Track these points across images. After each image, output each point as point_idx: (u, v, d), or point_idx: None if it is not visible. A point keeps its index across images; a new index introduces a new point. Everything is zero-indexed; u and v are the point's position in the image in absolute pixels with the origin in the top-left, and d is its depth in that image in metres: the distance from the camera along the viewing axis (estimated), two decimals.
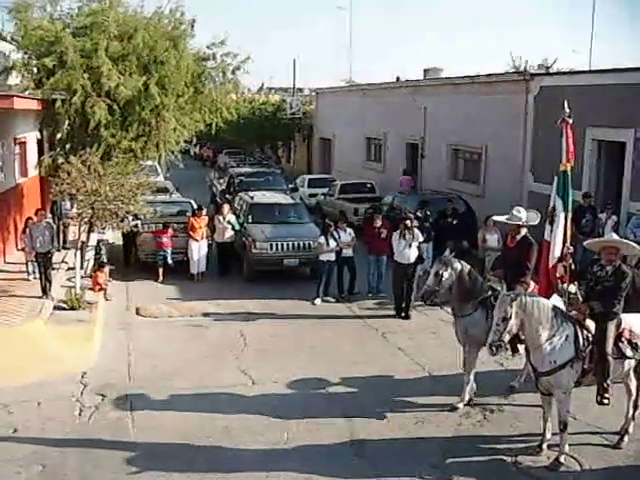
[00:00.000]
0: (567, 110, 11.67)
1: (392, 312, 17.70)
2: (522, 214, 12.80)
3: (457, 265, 11.82)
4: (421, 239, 17.97)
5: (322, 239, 18.87)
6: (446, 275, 11.70)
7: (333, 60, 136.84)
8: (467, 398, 12.00)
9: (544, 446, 10.39)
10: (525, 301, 9.67)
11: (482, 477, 9.86)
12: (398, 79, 38.15)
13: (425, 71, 36.20)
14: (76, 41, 19.31)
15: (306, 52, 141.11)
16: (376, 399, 12.30)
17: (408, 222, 17.67)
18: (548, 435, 10.43)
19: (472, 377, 12.04)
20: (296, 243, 20.46)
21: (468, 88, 28.12)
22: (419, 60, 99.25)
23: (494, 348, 9.69)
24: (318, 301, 18.56)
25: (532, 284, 12.44)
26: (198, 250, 20.71)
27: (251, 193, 24.55)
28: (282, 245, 20.39)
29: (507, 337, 9.67)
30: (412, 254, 17.57)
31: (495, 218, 14.45)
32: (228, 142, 53.98)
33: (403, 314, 17.44)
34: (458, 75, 30.54)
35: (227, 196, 28.96)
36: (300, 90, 59.83)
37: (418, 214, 20.56)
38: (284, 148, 53.14)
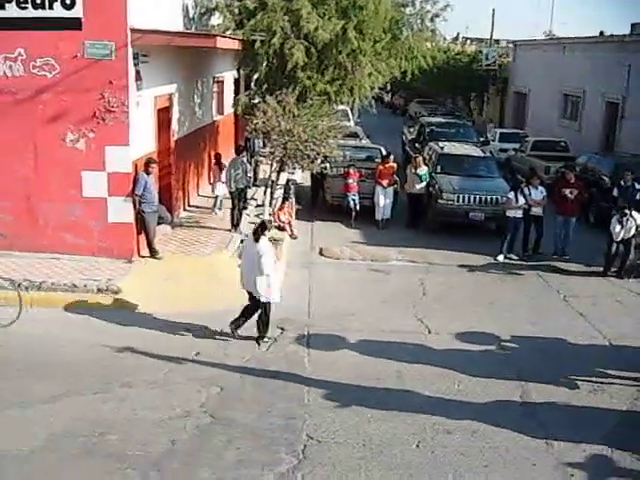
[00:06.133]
0: None
1: (574, 275, 17.30)
2: None
3: None
4: None
5: (511, 194, 18.52)
6: None
7: (531, 10, 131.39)
8: None
9: None
10: None
11: None
12: (602, 33, 36.38)
13: (633, 25, 34.16)
14: None
15: (504, 1, 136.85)
16: (551, 362, 12.05)
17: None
18: None
19: None
20: (483, 197, 20.15)
21: None
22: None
23: None
24: (501, 257, 18.29)
25: None
26: (384, 197, 20.85)
27: (441, 143, 24.37)
28: (469, 198, 20.17)
29: None
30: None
31: None
32: (420, 91, 53.65)
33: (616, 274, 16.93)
34: None
35: (417, 145, 28.88)
36: (497, 42, 58.35)
37: (622, 183, 19.61)
38: (477, 100, 52.21)
